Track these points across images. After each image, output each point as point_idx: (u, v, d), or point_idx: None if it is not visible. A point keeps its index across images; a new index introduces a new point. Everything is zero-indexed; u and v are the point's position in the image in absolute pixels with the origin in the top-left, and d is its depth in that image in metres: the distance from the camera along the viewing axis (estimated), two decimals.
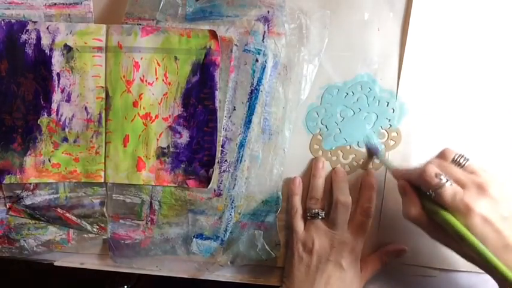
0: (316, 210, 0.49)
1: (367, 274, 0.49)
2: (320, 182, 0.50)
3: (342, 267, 0.47)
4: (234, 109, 0.49)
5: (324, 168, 0.50)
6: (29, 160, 0.49)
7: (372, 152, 0.50)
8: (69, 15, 0.48)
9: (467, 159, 0.41)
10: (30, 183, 0.50)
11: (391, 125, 0.50)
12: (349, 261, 0.47)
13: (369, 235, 0.50)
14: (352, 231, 0.48)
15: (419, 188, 0.42)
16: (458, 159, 0.41)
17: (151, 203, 0.51)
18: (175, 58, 0.48)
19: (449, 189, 0.38)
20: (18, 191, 0.50)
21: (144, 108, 0.49)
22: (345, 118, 0.50)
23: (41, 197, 0.51)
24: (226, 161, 0.50)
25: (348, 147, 0.50)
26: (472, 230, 0.37)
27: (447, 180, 0.39)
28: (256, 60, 0.48)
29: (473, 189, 0.38)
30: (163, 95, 0.49)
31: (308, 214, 0.49)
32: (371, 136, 0.49)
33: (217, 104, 0.49)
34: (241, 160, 0.50)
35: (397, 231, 0.51)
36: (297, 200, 0.50)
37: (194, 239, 0.52)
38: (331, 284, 0.47)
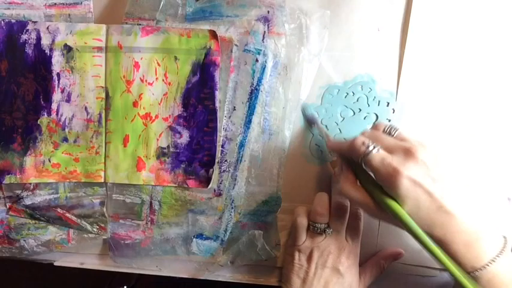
0: (323, 227, 0.47)
1: (366, 281, 0.49)
2: (326, 196, 0.49)
3: (340, 273, 0.47)
4: (234, 109, 0.49)
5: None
6: (29, 160, 0.49)
7: (309, 122, 0.50)
8: (69, 15, 0.48)
9: (397, 129, 0.42)
10: (30, 183, 0.50)
11: None
12: (346, 266, 0.47)
13: (369, 235, 0.51)
14: (348, 235, 0.48)
15: (357, 166, 0.42)
16: (388, 129, 0.42)
17: (151, 203, 0.51)
18: (175, 58, 0.48)
19: (377, 155, 0.38)
20: (18, 191, 0.50)
21: (144, 108, 0.49)
22: (345, 118, 0.50)
23: (41, 197, 0.51)
24: (226, 161, 0.50)
25: None
26: (403, 192, 0.37)
27: (374, 147, 0.39)
28: (256, 60, 0.48)
29: (400, 153, 0.38)
30: (163, 95, 0.49)
31: (311, 228, 0.48)
32: (306, 106, 0.49)
33: (217, 104, 0.49)
34: (241, 160, 0.50)
35: (398, 231, 0.51)
36: (303, 212, 0.49)
37: (194, 239, 0.52)
38: None
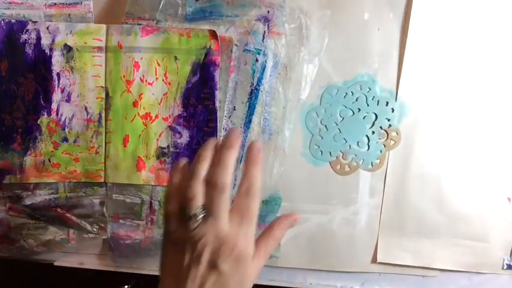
0: (194, 211, 0.36)
1: (261, 259, 0.38)
2: (205, 165, 0.37)
3: (219, 270, 0.35)
4: (234, 109, 0.49)
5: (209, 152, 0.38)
6: (29, 160, 0.49)
7: None
8: (69, 15, 0.48)
9: None
10: (30, 183, 0.50)
11: (390, 125, 0.50)
12: (231, 260, 0.35)
13: (369, 235, 0.51)
14: (234, 219, 0.37)
15: None
16: None
17: (151, 203, 0.51)
18: (175, 58, 0.48)
19: None
20: (18, 191, 0.50)
21: (144, 108, 0.49)
22: (345, 118, 0.50)
23: (41, 197, 0.51)
24: None
25: (348, 147, 0.50)
26: None
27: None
28: (256, 60, 0.48)
29: None
30: (163, 95, 0.49)
31: (182, 214, 0.36)
32: None
33: (217, 104, 0.49)
34: (241, 160, 0.50)
35: (397, 231, 0.51)
36: (173, 192, 0.38)
37: None
38: None
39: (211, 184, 0.36)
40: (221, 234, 0.36)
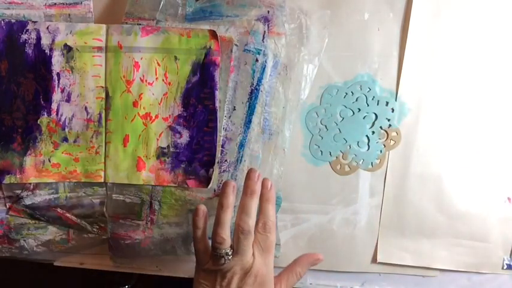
0: (224, 252, 0.43)
1: None
2: (229, 213, 0.44)
3: None
4: (234, 109, 0.49)
5: (234, 194, 0.45)
6: (29, 160, 0.49)
7: None
8: (69, 15, 0.48)
9: None
10: (30, 183, 0.50)
11: (390, 125, 0.50)
12: (253, 286, 0.43)
13: (369, 235, 0.51)
14: (256, 253, 0.44)
15: None
16: None
17: (151, 203, 0.51)
18: (175, 58, 0.48)
19: None
20: (18, 191, 0.50)
21: (144, 108, 0.49)
22: (345, 118, 0.50)
23: (41, 197, 0.51)
24: (226, 161, 0.50)
25: (348, 147, 0.50)
26: None
27: None
28: (256, 60, 0.48)
29: None
30: (163, 95, 0.49)
31: (213, 252, 0.43)
32: None
33: (217, 104, 0.49)
34: (241, 160, 0.50)
35: (397, 231, 0.51)
36: (200, 236, 0.45)
37: None
38: None
39: (238, 229, 0.43)
40: (246, 265, 0.43)
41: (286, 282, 0.46)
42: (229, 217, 0.44)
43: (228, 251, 0.43)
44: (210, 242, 0.45)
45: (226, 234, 0.43)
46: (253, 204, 0.44)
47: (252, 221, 0.44)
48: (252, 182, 0.45)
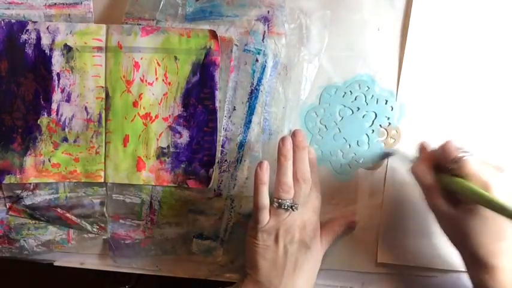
0: (289, 203, 0.44)
1: (323, 247, 0.48)
2: (291, 163, 0.45)
3: (307, 246, 0.45)
4: (234, 109, 0.49)
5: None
6: (29, 160, 0.49)
7: (386, 156, 0.51)
8: (69, 15, 0.48)
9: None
10: (30, 183, 0.50)
11: (390, 123, 0.50)
12: (312, 238, 0.46)
13: (369, 235, 0.51)
14: (310, 206, 0.46)
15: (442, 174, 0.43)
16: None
17: (151, 203, 0.51)
18: (175, 58, 0.48)
19: (474, 159, 0.40)
20: (18, 191, 0.50)
21: (144, 108, 0.49)
22: (344, 117, 0.50)
23: (41, 197, 0.51)
24: (226, 161, 0.50)
25: (348, 146, 0.50)
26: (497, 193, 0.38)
27: (469, 153, 0.41)
28: (256, 60, 0.48)
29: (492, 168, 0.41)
30: (163, 95, 0.49)
31: (276, 204, 0.44)
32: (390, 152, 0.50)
33: (217, 104, 0.49)
34: (241, 160, 0.50)
35: (397, 231, 0.51)
36: (265, 191, 0.44)
37: (194, 239, 0.52)
38: (299, 266, 0.45)
39: (297, 179, 0.44)
40: (305, 218, 0.45)
41: (326, 238, 0.49)
42: (291, 167, 0.45)
43: (292, 202, 0.44)
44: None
45: (291, 183, 0.44)
46: (307, 157, 0.46)
47: (308, 172, 0.45)
48: (301, 137, 0.46)
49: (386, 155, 0.50)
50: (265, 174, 0.44)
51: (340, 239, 0.51)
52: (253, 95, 0.49)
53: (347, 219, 0.51)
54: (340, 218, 0.51)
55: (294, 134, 0.46)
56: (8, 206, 0.51)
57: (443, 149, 0.42)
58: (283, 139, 0.45)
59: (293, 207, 0.44)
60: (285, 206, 0.44)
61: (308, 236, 0.45)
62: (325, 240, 0.49)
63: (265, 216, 0.44)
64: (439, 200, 0.42)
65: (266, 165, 0.44)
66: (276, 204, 0.44)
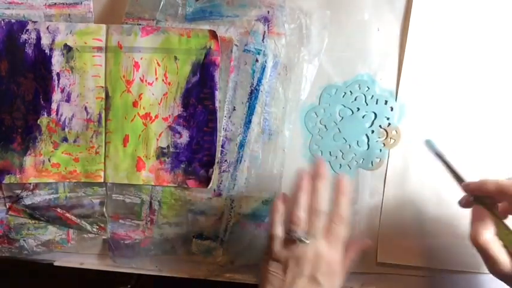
0: (299, 234, 0.43)
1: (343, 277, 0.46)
2: (306, 197, 0.44)
3: (317, 282, 0.43)
4: (234, 109, 0.49)
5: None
6: (28, 160, 0.49)
7: (437, 156, 0.47)
8: (69, 15, 0.48)
9: None
10: (30, 183, 0.50)
11: (390, 124, 0.50)
12: (326, 274, 0.43)
13: (369, 235, 0.51)
14: (328, 240, 0.44)
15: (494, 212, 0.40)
16: None
17: (151, 203, 0.51)
18: (175, 58, 0.48)
19: None
20: (18, 191, 0.50)
21: (144, 108, 0.49)
22: (344, 118, 0.50)
23: (40, 197, 0.51)
24: (226, 161, 0.50)
25: (348, 146, 0.50)
26: None
27: None
28: (256, 60, 0.48)
29: None
30: (163, 95, 0.49)
31: (288, 235, 0.44)
32: (431, 143, 0.47)
33: (217, 104, 0.49)
34: (241, 160, 0.50)
35: (397, 231, 0.51)
36: (279, 221, 0.45)
37: (194, 239, 0.52)
38: None
39: (312, 211, 0.44)
40: (319, 252, 0.43)
41: (345, 268, 0.46)
42: (306, 200, 0.44)
43: (302, 235, 0.43)
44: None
45: (303, 216, 0.43)
46: (324, 188, 0.44)
47: (325, 203, 0.44)
48: (321, 166, 0.45)
49: (436, 154, 0.46)
50: (281, 205, 0.45)
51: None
52: (253, 95, 0.49)
53: (364, 245, 0.48)
54: (354, 244, 0.48)
55: (314, 163, 0.46)
56: (7, 206, 0.51)
57: (496, 190, 0.39)
58: (300, 171, 0.45)
59: (302, 239, 0.43)
60: (294, 237, 0.43)
61: (320, 271, 0.43)
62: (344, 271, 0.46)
63: (277, 246, 0.44)
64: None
65: (283, 196, 0.46)
66: (287, 235, 0.44)
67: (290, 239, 0.43)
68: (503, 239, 0.39)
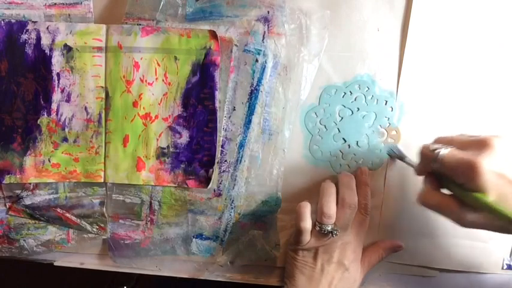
0: (330, 228, 0.46)
1: (365, 269, 0.50)
2: (335, 190, 0.48)
3: (345, 267, 0.47)
4: (234, 109, 0.49)
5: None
6: (28, 160, 0.49)
7: (393, 157, 0.50)
8: (69, 15, 0.48)
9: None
10: (30, 183, 0.50)
11: (390, 124, 0.50)
12: (351, 260, 0.48)
13: (369, 235, 0.51)
14: (353, 229, 0.48)
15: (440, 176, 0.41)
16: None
17: (151, 203, 0.51)
18: (175, 58, 0.48)
19: (447, 154, 0.38)
20: (18, 191, 0.50)
21: (144, 108, 0.49)
22: (344, 118, 0.50)
23: (40, 197, 0.51)
24: (226, 161, 0.50)
25: (347, 146, 0.50)
26: (484, 183, 0.35)
27: (441, 148, 0.39)
28: (256, 61, 0.48)
29: (473, 147, 0.37)
30: (163, 95, 0.49)
31: (318, 228, 0.46)
32: (391, 147, 0.50)
33: (217, 104, 0.49)
34: (241, 160, 0.50)
35: (397, 231, 0.51)
36: (308, 216, 0.47)
37: (194, 239, 0.52)
38: (334, 284, 0.47)
39: (345, 204, 0.46)
40: (347, 240, 0.47)
41: (369, 262, 0.50)
42: (335, 193, 0.47)
43: (333, 227, 0.46)
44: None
45: (333, 210, 0.46)
46: (354, 182, 0.48)
47: (355, 197, 0.47)
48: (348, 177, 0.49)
49: (392, 153, 0.50)
50: (307, 202, 0.47)
51: None
52: (253, 95, 0.49)
53: (393, 243, 0.51)
54: (386, 241, 0.51)
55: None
56: (7, 206, 0.51)
57: (420, 156, 0.42)
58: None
59: (333, 233, 0.46)
60: (325, 230, 0.46)
61: (347, 257, 0.47)
62: (368, 263, 0.50)
63: (306, 238, 0.47)
64: (464, 214, 0.39)
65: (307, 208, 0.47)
66: (318, 228, 0.46)
67: (320, 231, 0.46)
68: (450, 189, 0.40)
